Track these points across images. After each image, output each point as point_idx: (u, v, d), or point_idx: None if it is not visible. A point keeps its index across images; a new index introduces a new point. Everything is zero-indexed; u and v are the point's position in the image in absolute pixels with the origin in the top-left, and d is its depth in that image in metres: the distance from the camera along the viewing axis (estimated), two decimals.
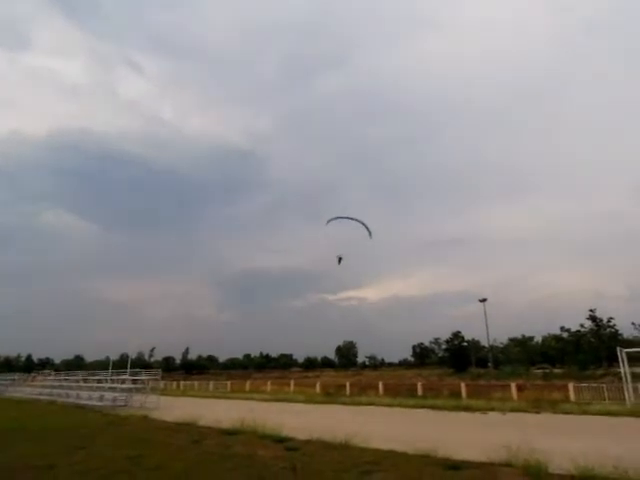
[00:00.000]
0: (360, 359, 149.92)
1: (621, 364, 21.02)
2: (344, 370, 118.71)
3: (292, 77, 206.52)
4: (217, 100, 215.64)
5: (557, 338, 74.74)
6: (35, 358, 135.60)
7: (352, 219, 23.61)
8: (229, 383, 46.32)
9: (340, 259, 24.29)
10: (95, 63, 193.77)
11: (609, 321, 63.02)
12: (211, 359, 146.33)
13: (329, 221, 23.38)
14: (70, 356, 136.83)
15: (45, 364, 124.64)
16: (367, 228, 23.47)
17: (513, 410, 19.20)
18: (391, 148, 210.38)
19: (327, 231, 23.01)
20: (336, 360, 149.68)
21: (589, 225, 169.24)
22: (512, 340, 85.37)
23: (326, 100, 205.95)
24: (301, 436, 11.44)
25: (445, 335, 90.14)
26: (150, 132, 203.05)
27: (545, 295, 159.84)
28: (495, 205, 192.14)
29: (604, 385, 23.25)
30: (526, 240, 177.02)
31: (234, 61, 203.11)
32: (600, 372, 47.60)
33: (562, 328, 71.92)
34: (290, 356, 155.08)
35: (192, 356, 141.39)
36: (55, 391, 33.73)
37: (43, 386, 39.80)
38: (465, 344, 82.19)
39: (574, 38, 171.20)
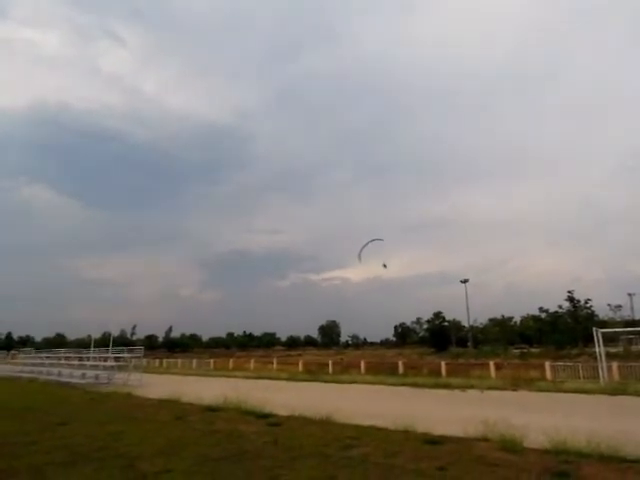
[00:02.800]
0: (343, 338, 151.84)
1: (596, 344, 21.63)
2: (327, 349, 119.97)
3: (277, 54, 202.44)
4: (201, 75, 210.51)
5: (535, 319, 76.41)
6: (15, 336, 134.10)
7: (370, 242, 28.23)
8: (212, 361, 46.48)
9: (385, 265, 30.91)
10: (74, 34, 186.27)
11: (586, 302, 64.52)
12: (194, 338, 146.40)
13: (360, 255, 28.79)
14: (51, 334, 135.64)
15: (26, 342, 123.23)
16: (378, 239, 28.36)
17: (491, 388, 19.68)
18: (375, 130, 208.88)
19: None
20: (319, 339, 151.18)
21: (569, 209, 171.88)
22: (492, 320, 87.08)
23: (311, 79, 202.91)
24: (283, 412, 11.58)
25: (426, 315, 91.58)
26: (132, 107, 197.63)
27: (525, 277, 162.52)
28: (477, 189, 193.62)
29: (579, 364, 23.98)
30: (508, 223, 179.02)
31: (218, 35, 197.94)
32: (576, 352, 48.86)
33: (540, 309, 73.40)
34: (273, 335, 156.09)
35: (175, 334, 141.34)
36: (36, 369, 33.49)
37: (24, 364, 39.47)
38: (446, 324, 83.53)
39: (559, 23, 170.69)
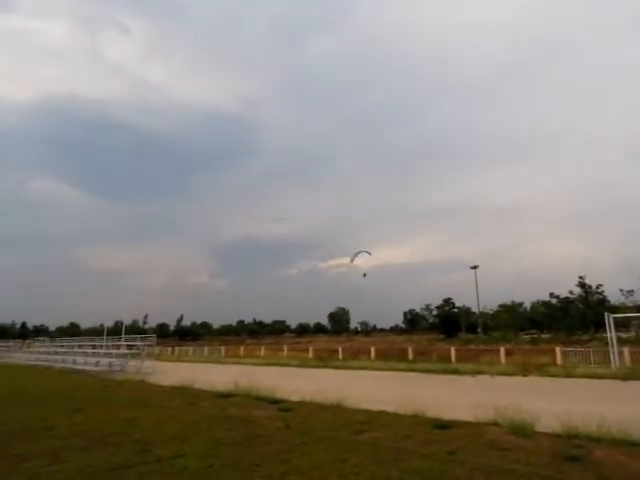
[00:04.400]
0: (352, 325, 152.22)
1: (608, 329, 21.52)
2: (336, 336, 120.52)
3: (285, 39, 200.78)
4: (208, 63, 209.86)
5: (546, 304, 76.01)
6: (30, 325, 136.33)
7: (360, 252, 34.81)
8: (223, 349, 46.92)
9: (365, 275, 41.59)
10: (80, 25, 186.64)
11: (597, 288, 64.06)
12: (205, 326, 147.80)
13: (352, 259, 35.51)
14: (65, 323, 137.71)
15: (40, 331, 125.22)
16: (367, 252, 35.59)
17: (501, 373, 19.69)
18: (385, 116, 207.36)
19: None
20: (329, 326, 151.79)
21: (581, 194, 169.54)
22: (502, 306, 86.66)
23: (321, 64, 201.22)
24: (294, 398, 11.69)
25: (436, 302, 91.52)
26: (138, 97, 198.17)
27: (535, 263, 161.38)
28: (488, 174, 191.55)
29: (590, 349, 23.86)
30: (518, 209, 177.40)
31: (224, 22, 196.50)
32: (587, 337, 48.72)
33: (551, 295, 73.00)
34: (283, 322, 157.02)
35: (186, 323, 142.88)
36: (51, 357, 34.05)
37: (39, 352, 40.14)
38: (455, 310, 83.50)
39: (571, 6, 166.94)
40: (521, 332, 68.04)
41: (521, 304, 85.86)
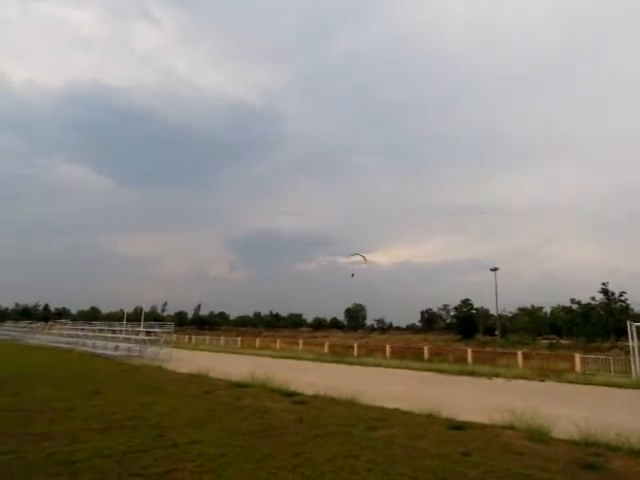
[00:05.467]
0: (369, 322, 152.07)
1: (630, 337, 21.00)
2: (352, 332, 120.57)
3: (310, 34, 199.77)
4: (233, 55, 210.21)
5: (566, 310, 74.67)
6: (52, 308, 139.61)
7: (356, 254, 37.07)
8: (239, 339, 47.34)
9: (352, 275, 41.97)
10: (110, 13, 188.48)
11: (621, 295, 62.62)
12: (222, 316, 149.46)
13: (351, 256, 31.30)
14: (86, 307, 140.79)
15: (62, 314, 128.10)
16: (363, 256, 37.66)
17: (518, 377, 19.45)
18: (407, 113, 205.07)
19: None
20: (345, 322, 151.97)
21: (607, 198, 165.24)
22: (521, 310, 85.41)
23: (344, 60, 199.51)
24: (309, 392, 11.76)
25: (454, 302, 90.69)
26: (165, 87, 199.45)
27: (557, 267, 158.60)
28: (511, 174, 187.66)
29: (611, 357, 23.35)
30: (541, 210, 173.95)
31: (251, 14, 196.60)
32: (607, 345, 47.70)
33: (572, 300, 71.64)
34: (299, 316, 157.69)
35: (204, 312, 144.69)
36: (72, 340, 34.87)
37: (60, 335, 41.12)
38: (473, 312, 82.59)
39: (601, 5, 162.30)
40: (540, 337, 67.00)
41: (541, 308, 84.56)
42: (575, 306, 71.13)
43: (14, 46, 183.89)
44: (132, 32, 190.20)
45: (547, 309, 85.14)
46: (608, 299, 63.30)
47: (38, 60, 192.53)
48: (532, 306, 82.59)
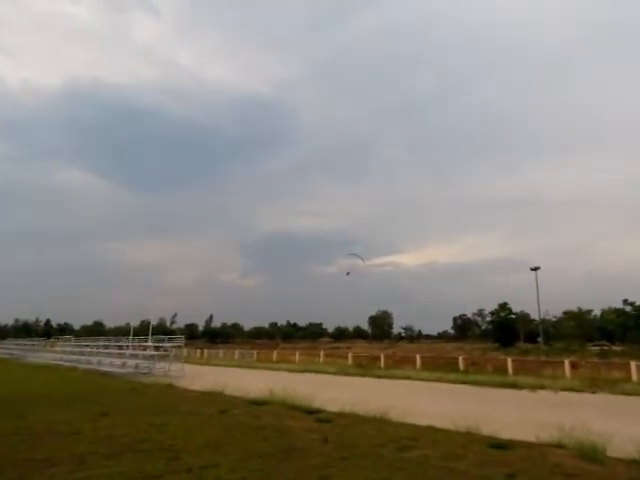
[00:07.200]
0: (395, 330, 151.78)
1: None
2: (378, 342, 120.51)
3: (322, 16, 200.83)
4: (240, 45, 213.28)
5: (618, 312, 73.25)
6: (54, 323, 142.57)
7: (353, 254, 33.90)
8: (255, 352, 47.62)
9: (348, 273, 41.01)
10: (107, 5, 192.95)
11: None
12: (236, 327, 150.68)
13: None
14: (89, 321, 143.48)
15: (64, 329, 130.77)
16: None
17: (565, 389, 19.13)
18: (434, 100, 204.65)
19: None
20: (369, 331, 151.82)
21: None
22: (566, 313, 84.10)
23: (360, 45, 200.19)
24: (333, 408, 11.75)
25: (490, 306, 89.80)
26: (168, 81, 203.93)
27: (607, 265, 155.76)
28: (552, 163, 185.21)
29: None
30: (586, 203, 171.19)
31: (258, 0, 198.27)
32: None
33: (625, 301, 70.31)
34: (320, 325, 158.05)
35: (216, 324, 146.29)
36: (75, 357, 35.53)
37: (63, 352, 41.95)
38: (513, 317, 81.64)
39: None
40: (589, 343, 65.80)
41: (589, 311, 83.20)
42: (628, 308, 69.88)
43: (7, 44, 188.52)
44: (131, 23, 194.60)
45: (596, 312, 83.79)
46: None
47: (34, 58, 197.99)
48: (579, 309, 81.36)
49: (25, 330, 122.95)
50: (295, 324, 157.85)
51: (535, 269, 60.42)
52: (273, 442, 8.15)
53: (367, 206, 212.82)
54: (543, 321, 69.65)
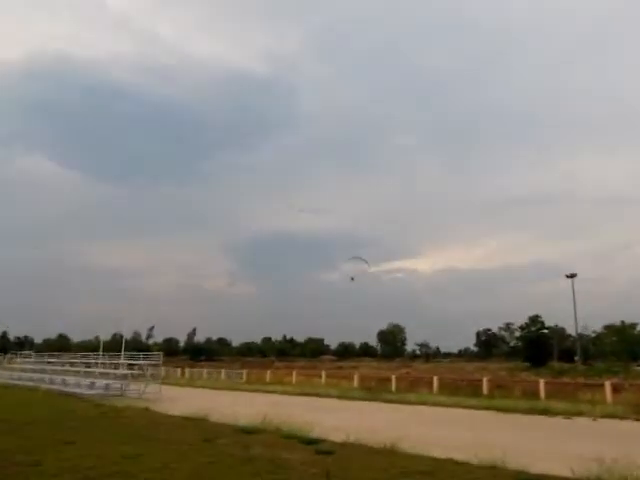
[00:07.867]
0: (409, 347, 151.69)
1: None
2: (388, 360, 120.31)
3: None
4: (229, 16, 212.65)
5: None
6: (12, 336, 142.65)
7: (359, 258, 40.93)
8: (245, 372, 47.66)
9: (352, 278, 41.70)
10: None
11: None
12: (223, 342, 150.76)
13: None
14: (53, 334, 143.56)
15: (24, 343, 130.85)
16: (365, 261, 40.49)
17: (606, 416, 19.13)
18: (453, 80, 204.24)
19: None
20: (378, 348, 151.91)
21: None
22: (608, 328, 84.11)
23: (367, 13, 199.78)
24: (335, 438, 11.75)
25: (519, 320, 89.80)
26: (146, 56, 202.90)
27: None
28: (589, 155, 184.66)
29: None
30: (630, 200, 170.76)
31: None
32: None
33: None
34: (320, 341, 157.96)
35: (199, 338, 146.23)
36: (37, 375, 35.55)
37: (22, 369, 41.93)
38: (545, 331, 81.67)
39: None
40: (634, 362, 65.75)
41: (635, 325, 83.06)
42: None
43: None
44: None
45: None
46: None
47: None
48: (622, 322, 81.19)
49: None
50: (292, 339, 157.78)
51: (571, 276, 60.47)
52: (265, 477, 8.12)
53: (376, 203, 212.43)
54: (581, 337, 69.61)
